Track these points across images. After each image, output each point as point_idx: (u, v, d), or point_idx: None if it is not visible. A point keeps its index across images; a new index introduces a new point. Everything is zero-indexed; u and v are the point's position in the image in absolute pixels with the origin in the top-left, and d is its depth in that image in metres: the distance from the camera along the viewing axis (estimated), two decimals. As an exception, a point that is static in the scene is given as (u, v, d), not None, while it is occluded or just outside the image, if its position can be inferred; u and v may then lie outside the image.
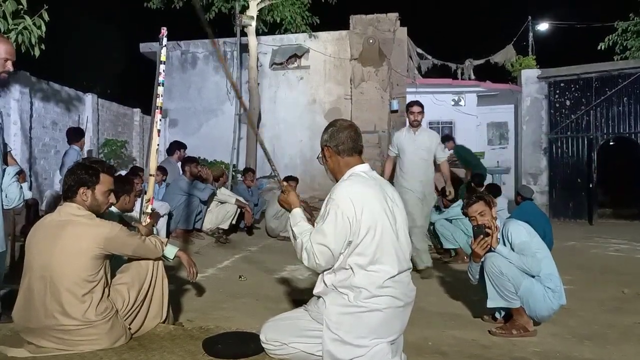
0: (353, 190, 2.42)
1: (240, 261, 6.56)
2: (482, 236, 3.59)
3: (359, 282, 2.37)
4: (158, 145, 3.41)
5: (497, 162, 15.90)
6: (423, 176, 5.80)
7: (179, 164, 8.11)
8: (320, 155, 2.68)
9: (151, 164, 3.38)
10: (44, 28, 6.05)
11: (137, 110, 13.12)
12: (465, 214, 3.90)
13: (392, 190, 2.63)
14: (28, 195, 3.43)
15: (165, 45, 3.40)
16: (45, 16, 6.03)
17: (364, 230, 2.36)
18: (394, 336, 2.44)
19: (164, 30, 3.38)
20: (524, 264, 3.52)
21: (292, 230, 2.54)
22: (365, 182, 2.49)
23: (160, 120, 3.41)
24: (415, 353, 3.00)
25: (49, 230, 2.76)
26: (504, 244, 3.70)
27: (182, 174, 7.52)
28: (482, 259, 3.64)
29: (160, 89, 3.36)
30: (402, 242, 2.48)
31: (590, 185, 13.37)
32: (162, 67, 3.34)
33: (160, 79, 3.36)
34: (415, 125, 5.91)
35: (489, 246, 3.58)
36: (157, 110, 3.36)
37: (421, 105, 5.97)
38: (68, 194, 2.82)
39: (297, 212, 2.59)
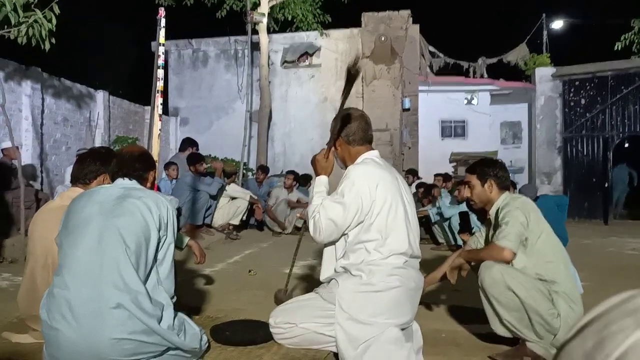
0: (368, 169, 2.46)
1: (250, 257, 6.50)
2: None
3: (373, 262, 2.37)
4: (160, 130, 3.36)
5: (511, 161, 15.77)
6: None
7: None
8: (329, 143, 2.66)
9: (154, 150, 3.33)
10: (54, 21, 6.03)
11: (148, 108, 13.06)
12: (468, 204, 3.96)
13: (400, 177, 2.65)
14: None
15: (163, 27, 3.33)
16: (56, 9, 6.01)
17: (378, 208, 2.37)
18: (404, 318, 2.42)
19: (162, 11, 3.31)
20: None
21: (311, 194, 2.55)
22: (379, 165, 2.51)
23: (160, 104, 3.35)
24: (430, 344, 2.93)
25: (51, 215, 2.71)
26: None
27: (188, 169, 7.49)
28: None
29: (160, 72, 3.30)
30: (413, 227, 2.50)
31: (606, 185, 13.16)
32: (161, 49, 3.28)
33: (160, 61, 3.29)
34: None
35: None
36: (157, 95, 3.30)
37: None
38: (85, 180, 2.77)
39: (322, 180, 2.59)
